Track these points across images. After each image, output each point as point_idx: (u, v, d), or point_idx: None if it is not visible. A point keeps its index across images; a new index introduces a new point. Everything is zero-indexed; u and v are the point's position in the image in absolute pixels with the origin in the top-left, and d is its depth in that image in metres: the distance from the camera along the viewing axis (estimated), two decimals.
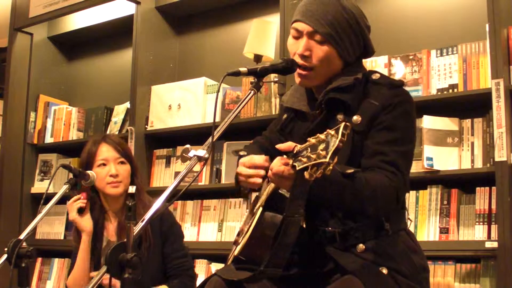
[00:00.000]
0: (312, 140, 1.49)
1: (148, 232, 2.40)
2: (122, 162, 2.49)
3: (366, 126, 1.75)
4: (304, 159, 1.47)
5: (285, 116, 1.97)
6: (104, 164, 2.46)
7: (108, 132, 4.14)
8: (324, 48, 1.79)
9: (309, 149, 1.49)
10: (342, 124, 1.45)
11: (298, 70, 1.82)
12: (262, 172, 1.73)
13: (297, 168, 1.49)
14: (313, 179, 1.46)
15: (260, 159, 1.75)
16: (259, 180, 1.74)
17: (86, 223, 2.41)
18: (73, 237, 2.50)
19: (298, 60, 1.81)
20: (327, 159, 1.41)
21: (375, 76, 1.83)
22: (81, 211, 2.43)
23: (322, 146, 1.45)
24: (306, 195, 1.57)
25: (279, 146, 1.65)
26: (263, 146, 2.02)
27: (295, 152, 1.54)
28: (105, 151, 2.48)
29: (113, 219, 2.50)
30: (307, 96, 1.92)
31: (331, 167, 1.42)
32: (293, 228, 1.57)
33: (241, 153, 1.93)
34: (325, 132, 1.47)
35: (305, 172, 1.46)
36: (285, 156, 1.60)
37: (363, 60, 1.95)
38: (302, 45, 1.80)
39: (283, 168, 1.60)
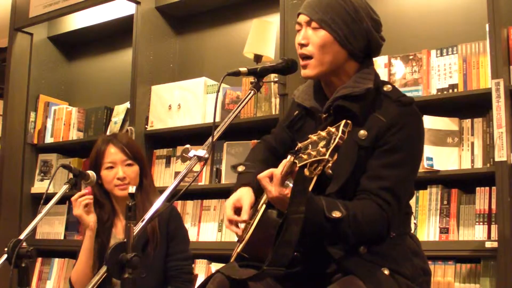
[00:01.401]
0: (313, 137, 1.51)
1: (156, 232, 2.41)
2: (129, 164, 2.49)
3: (372, 142, 1.75)
4: (305, 156, 1.49)
5: (296, 112, 1.96)
6: (111, 167, 2.47)
7: (108, 132, 4.13)
8: (320, 34, 1.79)
9: (310, 146, 1.50)
10: (343, 122, 1.47)
11: (301, 62, 1.83)
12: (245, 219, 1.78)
13: (298, 165, 1.50)
14: (313, 176, 1.47)
15: (245, 205, 1.77)
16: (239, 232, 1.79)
17: (90, 218, 2.42)
18: (82, 232, 2.52)
19: (299, 50, 1.82)
20: (326, 156, 1.43)
21: (387, 88, 1.83)
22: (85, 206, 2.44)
23: (322, 143, 1.46)
24: (307, 193, 1.57)
25: (260, 175, 1.68)
26: (271, 146, 2.02)
27: (296, 148, 1.55)
28: (113, 154, 2.48)
29: (122, 218, 2.53)
30: (318, 94, 1.91)
31: (330, 164, 1.44)
32: (294, 226, 1.57)
33: (239, 169, 1.93)
34: (326, 129, 1.48)
35: (305, 169, 1.47)
36: (290, 152, 1.61)
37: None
38: (301, 35, 1.83)
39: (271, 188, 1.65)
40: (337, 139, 1.43)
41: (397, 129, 1.74)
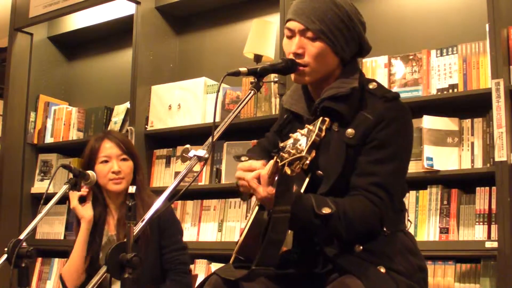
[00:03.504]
0: (293, 135, 1.54)
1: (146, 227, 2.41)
2: (124, 159, 2.51)
3: (360, 140, 1.75)
4: (285, 155, 1.51)
5: (285, 116, 1.97)
6: (106, 161, 2.48)
7: None
8: (317, 44, 1.79)
9: (290, 144, 1.52)
10: (320, 119, 1.51)
11: None
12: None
13: (279, 164, 1.53)
14: (294, 174, 1.49)
15: (258, 164, 1.76)
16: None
17: (86, 211, 2.44)
18: (74, 231, 2.52)
19: (292, 58, 1.82)
20: (303, 153, 1.45)
21: (372, 86, 1.83)
22: (82, 200, 2.45)
23: (301, 141, 1.50)
24: (290, 192, 1.58)
25: (247, 177, 1.69)
26: (266, 148, 2.02)
27: (279, 148, 1.57)
28: (108, 148, 2.50)
29: (114, 214, 2.53)
30: (305, 98, 1.91)
31: (307, 162, 1.47)
32: (280, 226, 1.58)
33: (242, 158, 1.94)
34: (305, 128, 1.51)
35: (286, 168, 1.49)
36: (273, 152, 1.62)
37: (363, 60, 1.95)
38: (295, 43, 1.81)
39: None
40: (314, 136, 1.46)
41: (384, 125, 1.75)
